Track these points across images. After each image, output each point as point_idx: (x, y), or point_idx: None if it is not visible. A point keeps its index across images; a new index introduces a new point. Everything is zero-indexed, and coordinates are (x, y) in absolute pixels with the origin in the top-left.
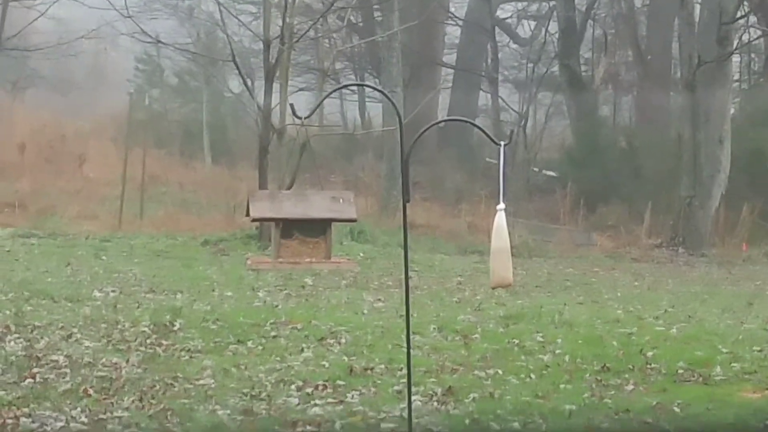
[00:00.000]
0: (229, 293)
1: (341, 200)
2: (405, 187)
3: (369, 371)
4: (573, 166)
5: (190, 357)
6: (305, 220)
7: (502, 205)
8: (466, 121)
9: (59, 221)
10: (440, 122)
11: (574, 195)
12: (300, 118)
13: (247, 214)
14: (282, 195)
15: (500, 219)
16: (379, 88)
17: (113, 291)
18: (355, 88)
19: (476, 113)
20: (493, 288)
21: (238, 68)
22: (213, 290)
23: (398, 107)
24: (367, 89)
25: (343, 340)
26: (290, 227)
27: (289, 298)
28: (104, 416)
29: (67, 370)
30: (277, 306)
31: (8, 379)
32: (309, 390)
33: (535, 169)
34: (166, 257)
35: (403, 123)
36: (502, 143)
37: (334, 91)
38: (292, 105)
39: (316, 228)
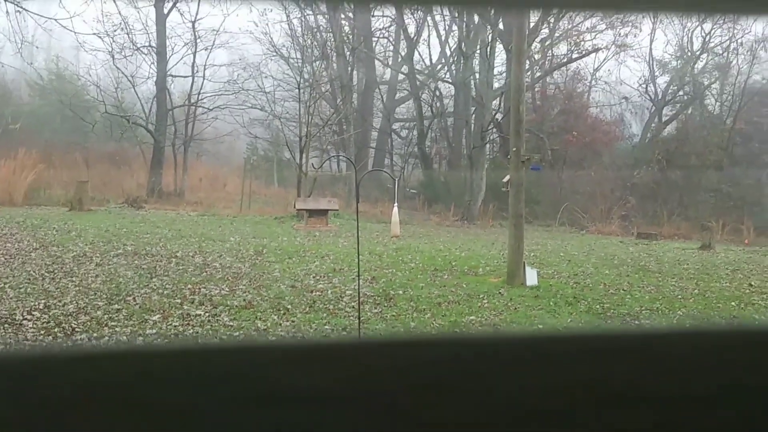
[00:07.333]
0: (285, 239)
1: (331, 201)
2: (356, 197)
3: (341, 270)
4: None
5: (270, 264)
6: (318, 210)
7: (395, 204)
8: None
9: None
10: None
11: (422, 199)
12: (316, 169)
13: (295, 207)
14: (309, 199)
15: (395, 210)
16: None
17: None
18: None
19: None
20: (392, 237)
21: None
22: (278, 237)
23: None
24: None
25: (331, 257)
26: (312, 213)
27: (307, 240)
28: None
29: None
30: (303, 244)
31: None
32: (317, 277)
33: (408, 190)
34: (259, 224)
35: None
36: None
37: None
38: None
39: (323, 213)
